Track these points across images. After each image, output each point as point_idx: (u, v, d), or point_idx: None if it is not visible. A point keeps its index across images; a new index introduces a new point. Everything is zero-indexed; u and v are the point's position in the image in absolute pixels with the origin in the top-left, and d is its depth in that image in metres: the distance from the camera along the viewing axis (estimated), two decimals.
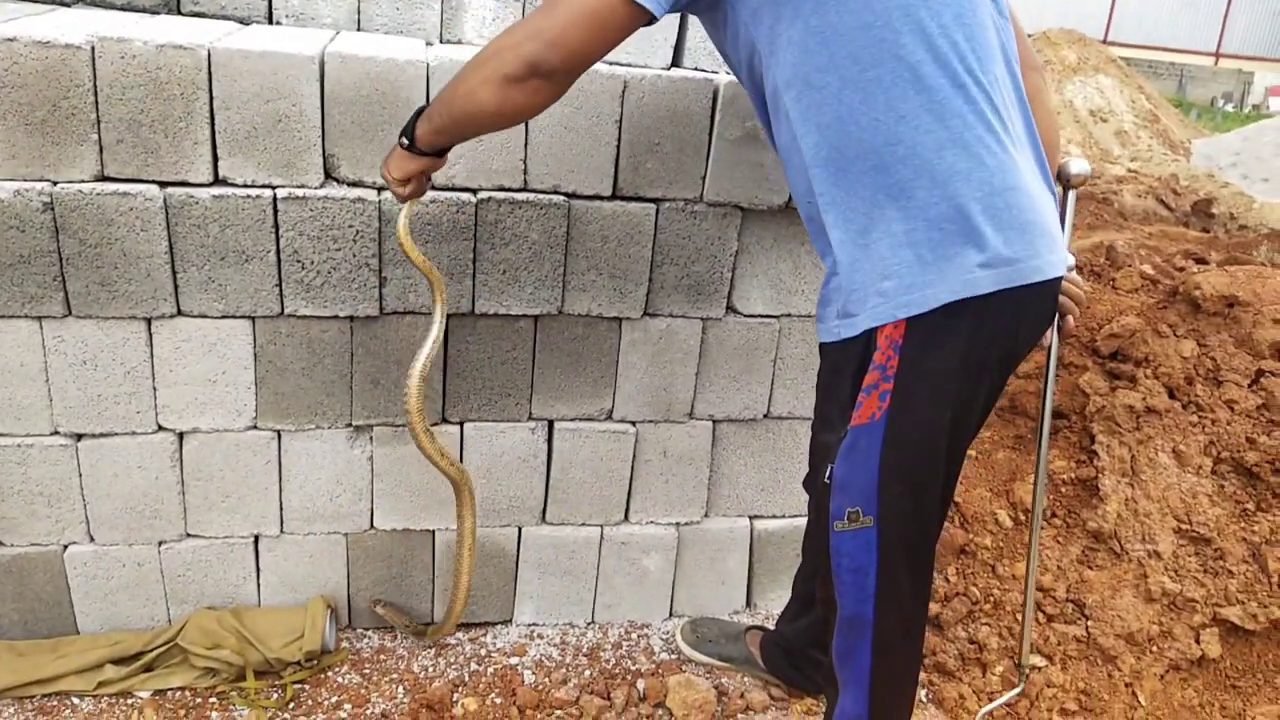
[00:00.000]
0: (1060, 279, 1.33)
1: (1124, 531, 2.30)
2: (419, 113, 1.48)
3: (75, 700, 1.82)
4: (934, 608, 2.22)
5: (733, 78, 1.84)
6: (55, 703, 1.81)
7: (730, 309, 2.01)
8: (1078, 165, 1.62)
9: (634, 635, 2.15)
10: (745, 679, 2.03)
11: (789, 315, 2.03)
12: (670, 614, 2.22)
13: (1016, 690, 1.95)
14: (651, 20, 1.31)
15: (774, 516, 2.20)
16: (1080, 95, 8.94)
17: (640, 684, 1.98)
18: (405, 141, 1.48)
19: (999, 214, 1.26)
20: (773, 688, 2.01)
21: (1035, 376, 2.54)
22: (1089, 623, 2.19)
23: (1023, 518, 2.35)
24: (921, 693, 2.04)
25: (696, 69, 2.07)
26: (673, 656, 2.08)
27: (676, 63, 2.12)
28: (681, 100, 1.82)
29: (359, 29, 2.04)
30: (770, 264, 1.99)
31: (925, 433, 1.33)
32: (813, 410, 1.75)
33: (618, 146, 1.84)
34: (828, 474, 1.42)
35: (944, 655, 2.12)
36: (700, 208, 1.91)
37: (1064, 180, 1.63)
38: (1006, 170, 1.28)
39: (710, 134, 1.86)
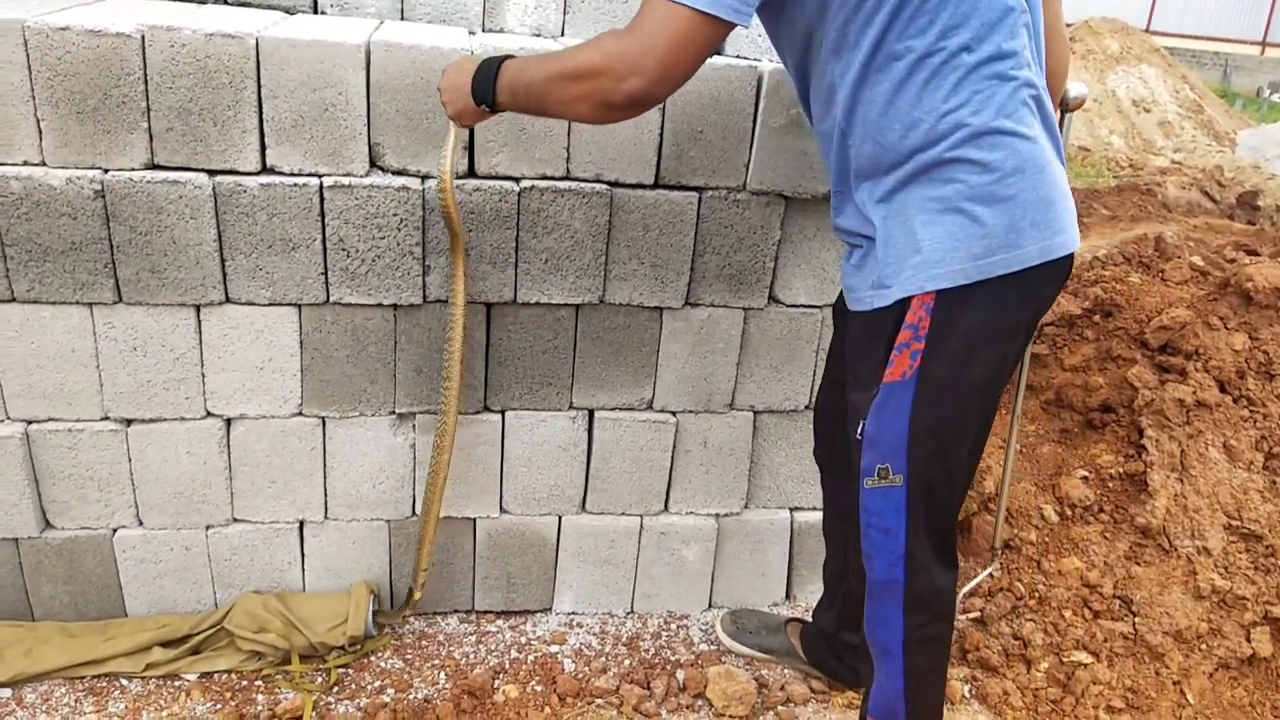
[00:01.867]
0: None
1: (1173, 527, 2.26)
2: (492, 76, 1.46)
3: (124, 682, 1.85)
4: (977, 603, 2.19)
5: (777, 65, 1.82)
6: (105, 684, 1.85)
7: (772, 299, 2.00)
8: (1076, 89, 1.73)
9: (673, 626, 2.15)
10: (786, 671, 2.02)
11: (831, 305, 2.00)
12: (709, 605, 2.21)
13: (987, 573, 2.13)
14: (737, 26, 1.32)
15: (815, 508, 2.18)
16: (1123, 85, 8.76)
17: (680, 674, 1.98)
18: (485, 106, 1.49)
19: (1028, 192, 1.30)
20: (813, 680, 1.99)
21: (1082, 369, 2.50)
22: (1136, 619, 2.15)
23: (1069, 512, 2.31)
24: (965, 688, 2.02)
25: (739, 56, 2.06)
26: (712, 647, 2.08)
27: (718, 50, 2.10)
28: (725, 88, 1.81)
29: (402, 18, 2.04)
30: (813, 253, 1.97)
31: (955, 390, 1.36)
32: (822, 376, 1.83)
33: (660, 134, 1.83)
34: (859, 430, 1.44)
35: (987, 651, 2.09)
36: (743, 196, 1.89)
37: (1063, 106, 1.75)
38: (1039, 152, 1.32)
39: (754, 122, 1.84)
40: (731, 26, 1.30)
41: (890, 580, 1.45)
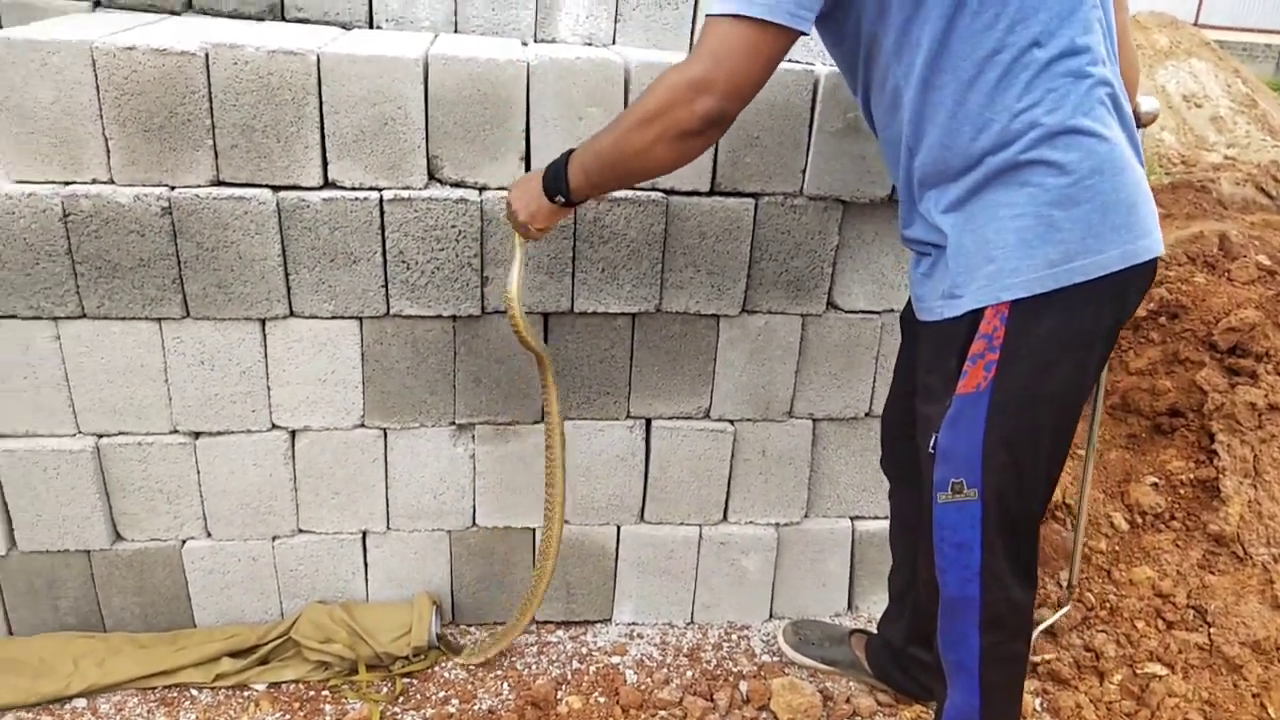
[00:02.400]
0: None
1: (1247, 535, 2.19)
2: (562, 165, 1.47)
3: (194, 692, 1.88)
4: (1046, 613, 2.14)
5: (833, 68, 1.80)
6: (175, 694, 1.87)
7: (831, 305, 1.97)
8: (1149, 104, 1.68)
9: (734, 636, 2.12)
10: (850, 683, 1.99)
11: (891, 311, 1.98)
12: (770, 615, 2.18)
13: (1061, 613, 2.07)
14: (801, 34, 1.31)
15: (876, 517, 2.15)
16: (1173, 80, 8.57)
17: (743, 686, 1.96)
18: (561, 199, 1.49)
19: (1107, 195, 1.26)
20: (879, 693, 1.96)
21: (1148, 373, 2.43)
22: (1212, 630, 2.08)
23: (1139, 520, 2.25)
24: (1036, 701, 1.97)
25: (793, 61, 2.04)
26: (775, 659, 2.05)
27: None
28: (780, 93, 1.79)
29: (456, 30, 2.06)
30: (872, 258, 1.94)
31: (1032, 402, 1.32)
32: (890, 387, 1.80)
33: (716, 141, 1.81)
34: (931, 444, 1.40)
35: (1059, 663, 2.04)
36: (800, 201, 1.87)
37: (1135, 120, 1.67)
38: (1117, 153, 1.28)
39: (810, 126, 1.82)
40: (793, 36, 1.29)
41: (965, 597, 1.41)
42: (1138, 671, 2.04)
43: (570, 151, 1.47)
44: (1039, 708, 1.96)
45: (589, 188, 1.46)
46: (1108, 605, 2.14)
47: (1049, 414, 1.34)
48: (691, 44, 2.08)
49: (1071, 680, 2.04)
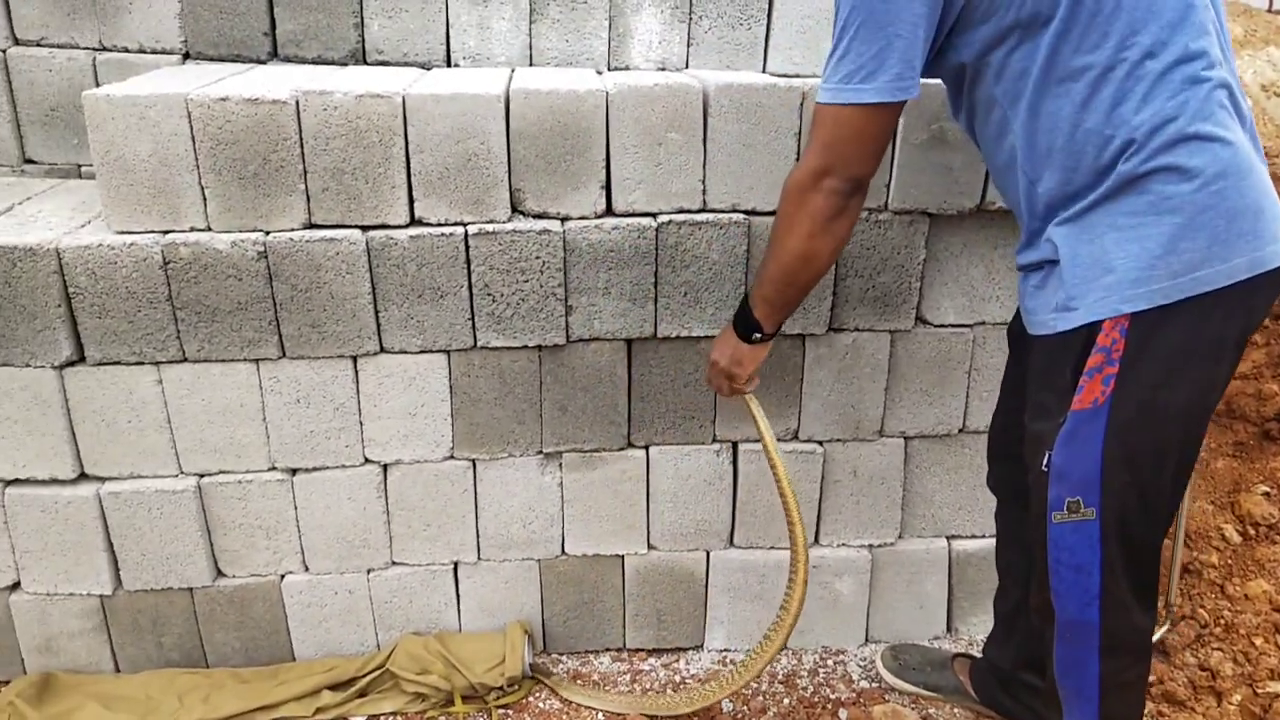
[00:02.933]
0: None
1: None
2: (745, 307, 1.57)
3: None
4: (1157, 631, 2.05)
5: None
6: None
7: (920, 320, 1.93)
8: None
9: (829, 662, 2.08)
10: (955, 710, 1.93)
11: (983, 324, 1.93)
12: (866, 640, 2.13)
13: (1163, 629, 2.01)
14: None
15: (974, 536, 2.09)
16: (1250, 70, 8.27)
17: (842, 714, 1.91)
18: (758, 335, 1.58)
19: (1233, 200, 1.20)
20: (984, 719, 1.89)
21: (1254, 376, 2.33)
22: None
23: (1252, 532, 2.15)
24: None
25: None
26: (874, 684, 2.00)
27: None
28: None
29: (531, 64, 2.08)
30: (961, 270, 1.90)
31: (1154, 417, 1.26)
32: (997, 403, 1.77)
33: (797, 159, 1.79)
34: (1045, 462, 1.35)
35: (1172, 684, 1.95)
36: (885, 216, 1.84)
37: None
38: (1241, 156, 1.22)
39: (894, 140, 1.79)
40: (903, 104, 1.32)
41: (1084, 621, 1.35)
42: (1258, 691, 1.94)
43: (746, 296, 1.58)
44: None
45: (775, 312, 1.55)
46: (1222, 622, 2.04)
47: (1172, 430, 1.28)
48: (766, 64, 2.07)
49: (1187, 701, 1.95)
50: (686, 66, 2.10)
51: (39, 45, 2.07)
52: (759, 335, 1.58)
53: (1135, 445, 1.27)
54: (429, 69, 2.02)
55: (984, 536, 2.09)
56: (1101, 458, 1.27)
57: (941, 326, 1.93)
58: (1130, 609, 1.35)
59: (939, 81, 1.76)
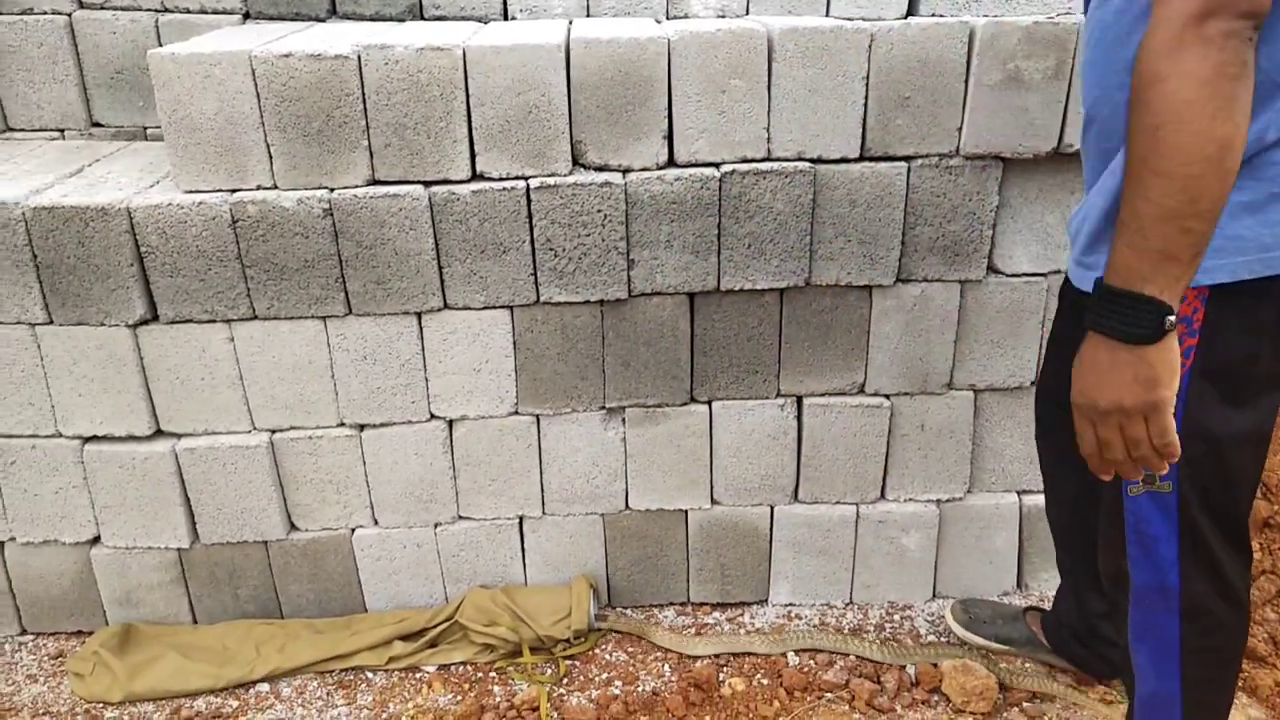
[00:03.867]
0: None
1: None
2: (1115, 299, 1.03)
3: (369, 675, 1.95)
4: None
5: (991, 18, 1.71)
6: (352, 677, 1.95)
7: (991, 269, 1.88)
8: None
9: (896, 617, 2.06)
10: (1026, 664, 1.90)
11: (1058, 272, 1.87)
12: (933, 595, 2.11)
13: None
14: None
15: None
16: None
17: (910, 668, 1.90)
18: (1171, 318, 1.01)
19: None
20: (1059, 673, 1.86)
21: None
22: None
23: None
24: None
25: (935, 15, 1.95)
26: (942, 638, 1.98)
27: (912, 11, 2.00)
28: (934, 48, 1.71)
29: (588, 15, 2.05)
30: (1036, 217, 1.84)
31: (1236, 389, 1.19)
32: (1044, 359, 1.62)
33: (865, 104, 1.75)
34: None
35: (1253, 639, 1.90)
36: (956, 162, 1.79)
37: None
38: None
39: (966, 82, 1.73)
40: None
41: (1163, 586, 1.30)
42: None
43: (1098, 281, 1.06)
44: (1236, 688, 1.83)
45: (1184, 266, 1.00)
46: None
47: (1259, 401, 1.21)
48: (829, 9, 2.01)
49: (1268, 657, 1.90)
50: (747, 13, 2.05)
51: (103, 8, 2.09)
52: (1172, 317, 1.01)
53: (1216, 417, 1.20)
54: (486, 23, 2.00)
55: None
56: (1180, 432, 1.16)
57: (1015, 276, 1.88)
58: (1215, 573, 1.29)
59: (1013, 18, 1.71)
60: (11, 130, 2.18)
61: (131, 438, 1.89)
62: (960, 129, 1.76)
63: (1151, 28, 0.97)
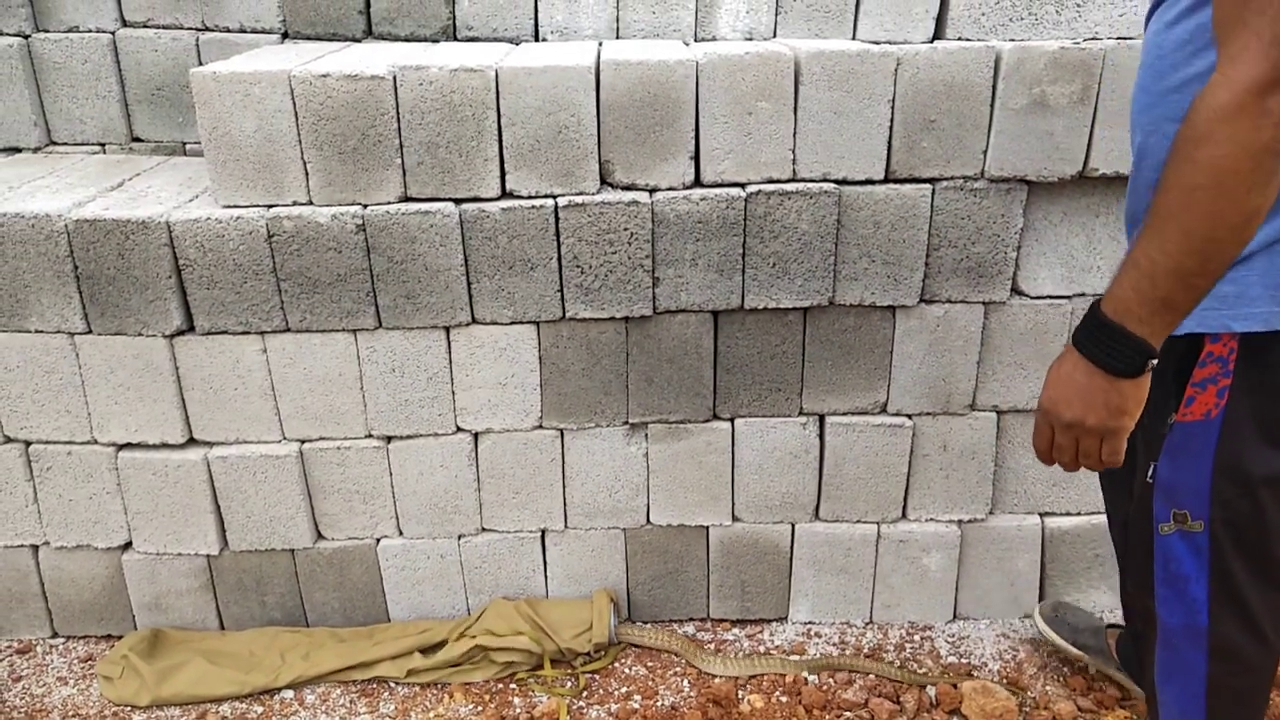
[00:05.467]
0: None
1: None
2: (1097, 318, 1.07)
3: (392, 684, 1.97)
4: None
5: (1018, 43, 1.73)
6: (375, 686, 1.97)
7: (1015, 291, 1.89)
8: None
9: (916, 637, 2.06)
10: (1048, 688, 1.89)
11: (1082, 295, 1.87)
12: (954, 616, 2.11)
13: None
14: None
15: (1067, 514, 2.04)
16: None
17: (930, 689, 1.90)
18: (1153, 360, 1.05)
19: None
20: (1079, 698, 1.85)
21: None
22: None
23: None
24: None
25: (961, 39, 1.97)
26: (962, 660, 1.98)
27: (939, 34, 2.02)
28: (960, 72, 1.73)
29: (617, 36, 2.09)
30: (1060, 240, 1.85)
31: (1269, 436, 1.17)
32: None
33: (890, 127, 1.77)
34: (1150, 473, 1.27)
35: None
36: (980, 184, 1.80)
37: None
38: None
39: (991, 105, 1.75)
40: None
41: (1192, 627, 1.28)
42: None
43: (1095, 306, 1.08)
44: None
45: (1177, 314, 1.02)
46: None
47: None
48: (855, 32, 2.03)
49: None
50: (774, 36, 2.08)
51: (145, 26, 2.15)
52: (1155, 361, 1.06)
53: (1251, 459, 1.18)
54: (518, 44, 2.04)
55: (1079, 514, 2.04)
56: (1213, 471, 1.18)
57: (1038, 298, 1.88)
58: (1245, 613, 1.27)
59: (1040, 43, 1.72)
60: (54, 144, 2.24)
61: (165, 445, 1.93)
62: (985, 152, 1.77)
63: (1214, 85, 0.96)
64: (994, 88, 1.73)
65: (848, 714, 1.85)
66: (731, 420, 1.98)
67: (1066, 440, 1.15)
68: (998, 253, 1.84)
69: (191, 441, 1.94)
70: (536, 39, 2.08)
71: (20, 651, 2.06)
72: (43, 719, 1.88)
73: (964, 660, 1.98)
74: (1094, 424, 1.10)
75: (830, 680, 1.94)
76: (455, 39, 2.08)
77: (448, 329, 1.87)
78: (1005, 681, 1.91)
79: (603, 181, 1.80)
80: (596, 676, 1.96)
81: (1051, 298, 1.88)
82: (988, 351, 1.92)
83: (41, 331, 1.84)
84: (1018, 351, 1.91)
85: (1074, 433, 1.13)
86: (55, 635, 2.11)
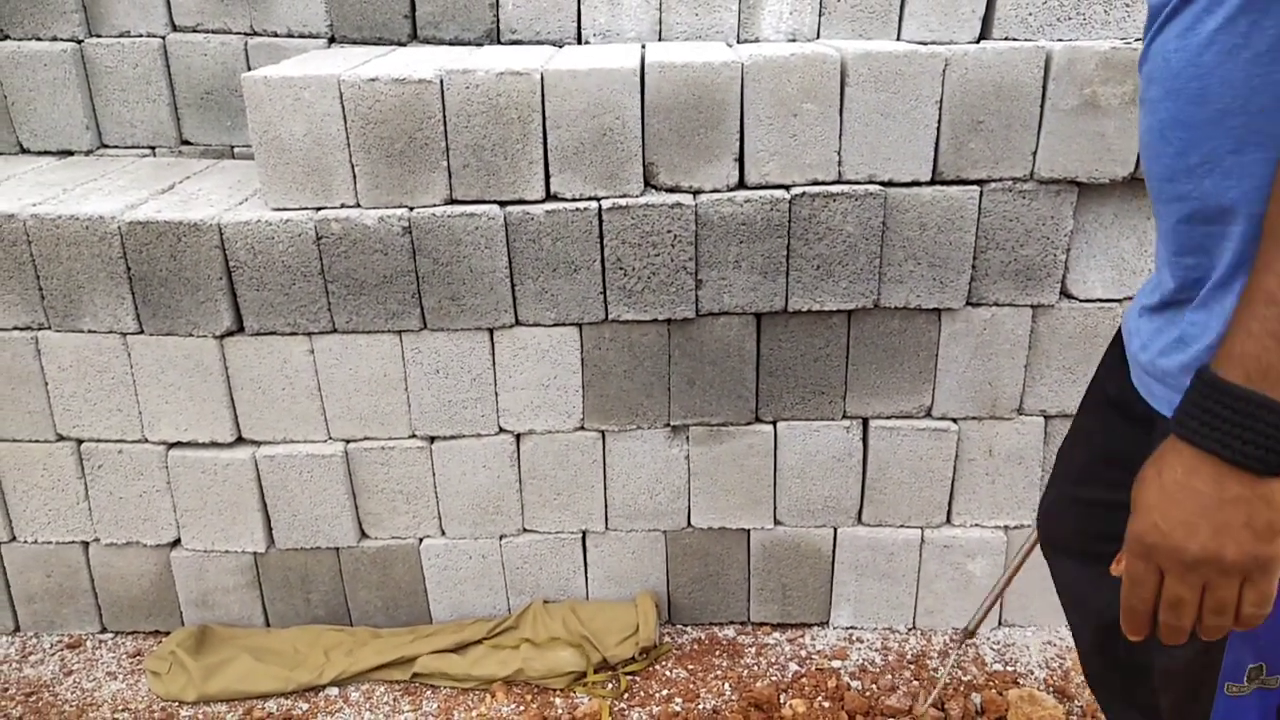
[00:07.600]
0: None
1: None
2: (1214, 387, 0.73)
3: (434, 683, 1.98)
4: None
5: (1068, 43, 1.70)
6: (418, 685, 1.98)
7: (1064, 294, 1.86)
8: None
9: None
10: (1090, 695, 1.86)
11: (1132, 298, 1.84)
12: (1000, 623, 2.08)
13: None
14: None
15: None
16: None
17: (975, 697, 1.88)
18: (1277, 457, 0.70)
19: None
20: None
21: None
22: None
23: None
24: None
25: (1008, 39, 1.95)
26: (1008, 668, 1.95)
27: (985, 35, 2.00)
28: (1009, 73, 1.71)
29: (660, 39, 2.09)
30: (1111, 242, 1.82)
31: None
32: (1058, 474, 1.31)
33: (938, 128, 1.75)
34: None
35: None
36: (1029, 186, 1.78)
37: None
38: None
39: (1041, 106, 1.72)
40: None
41: None
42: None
43: (1206, 372, 0.74)
44: None
45: None
46: None
47: None
48: (900, 32, 2.02)
49: None
50: (818, 37, 2.07)
51: (195, 31, 2.18)
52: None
53: None
54: (561, 47, 2.05)
55: None
56: None
57: (1088, 301, 1.86)
58: None
59: (1091, 43, 1.70)
60: (106, 147, 2.28)
61: (214, 444, 1.96)
62: (1035, 153, 1.75)
63: None
64: (1044, 88, 1.71)
65: None
66: (774, 423, 1.97)
67: (1188, 591, 0.77)
68: (1047, 255, 1.81)
69: (240, 440, 1.97)
70: (579, 42, 2.09)
71: (70, 646, 2.10)
72: (92, 713, 1.92)
73: (1009, 668, 1.95)
74: (1235, 558, 0.74)
75: (874, 685, 1.92)
76: (499, 42, 2.09)
77: (491, 330, 1.88)
78: (1052, 690, 1.88)
79: (647, 184, 1.80)
80: (637, 678, 1.96)
81: (1101, 301, 1.85)
82: (1035, 355, 1.89)
83: (94, 331, 1.88)
84: (1066, 355, 1.89)
85: (1203, 575, 0.76)
86: (104, 630, 2.14)
